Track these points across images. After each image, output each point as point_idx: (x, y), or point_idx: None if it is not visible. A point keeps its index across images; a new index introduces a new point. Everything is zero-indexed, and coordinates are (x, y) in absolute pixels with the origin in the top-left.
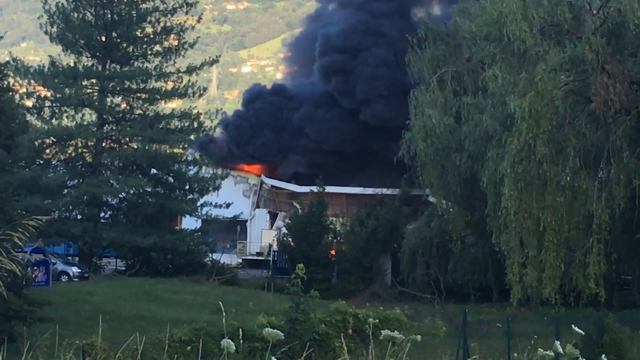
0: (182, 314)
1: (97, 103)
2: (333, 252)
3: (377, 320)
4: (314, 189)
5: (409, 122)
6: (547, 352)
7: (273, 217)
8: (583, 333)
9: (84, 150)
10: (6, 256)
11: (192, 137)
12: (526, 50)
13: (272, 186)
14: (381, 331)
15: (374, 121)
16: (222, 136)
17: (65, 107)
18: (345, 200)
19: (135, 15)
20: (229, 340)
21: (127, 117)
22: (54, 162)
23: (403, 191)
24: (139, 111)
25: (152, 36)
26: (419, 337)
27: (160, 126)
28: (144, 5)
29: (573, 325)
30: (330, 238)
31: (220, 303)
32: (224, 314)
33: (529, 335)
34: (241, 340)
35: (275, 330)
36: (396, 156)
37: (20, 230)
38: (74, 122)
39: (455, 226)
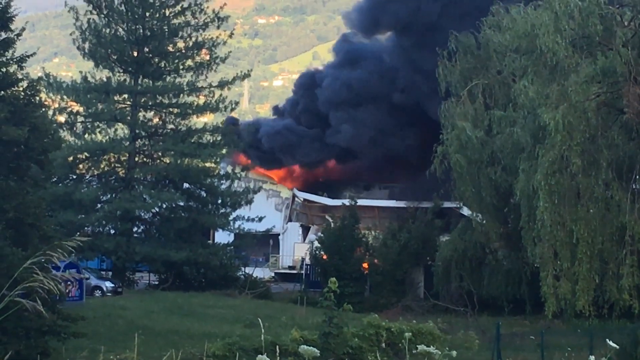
0: (215, 328)
1: (129, 118)
2: (365, 265)
3: (410, 334)
4: (346, 202)
5: (441, 136)
6: None
7: (305, 230)
8: (618, 347)
9: (117, 165)
10: (44, 274)
11: (224, 151)
12: (557, 63)
13: (305, 199)
14: (417, 346)
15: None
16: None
17: (98, 122)
18: (377, 213)
19: (167, 30)
20: (265, 357)
21: (160, 132)
22: (87, 177)
23: (435, 204)
24: (171, 126)
25: (184, 51)
26: (454, 353)
27: (192, 140)
28: (175, 21)
29: (608, 340)
30: (362, 251)
31: (260, 319)
32: (262, 330)
33: (563, 348)
34: (278, 358)
35: (311, 347)
36: (429, 169)
37: (60, 251)
38: (107, 137)
39: (488, 238)
